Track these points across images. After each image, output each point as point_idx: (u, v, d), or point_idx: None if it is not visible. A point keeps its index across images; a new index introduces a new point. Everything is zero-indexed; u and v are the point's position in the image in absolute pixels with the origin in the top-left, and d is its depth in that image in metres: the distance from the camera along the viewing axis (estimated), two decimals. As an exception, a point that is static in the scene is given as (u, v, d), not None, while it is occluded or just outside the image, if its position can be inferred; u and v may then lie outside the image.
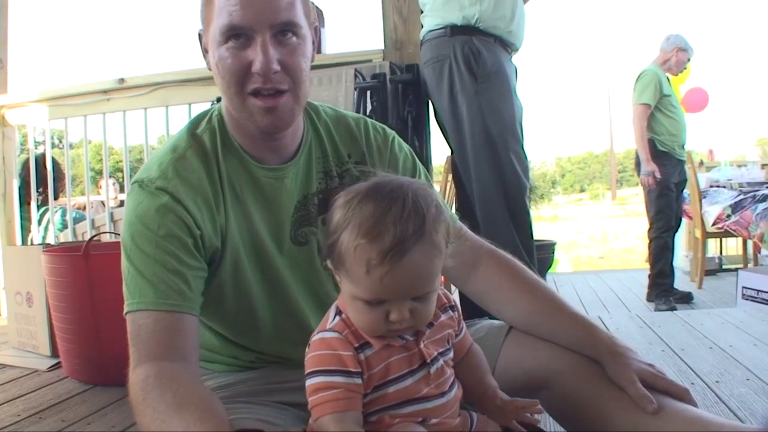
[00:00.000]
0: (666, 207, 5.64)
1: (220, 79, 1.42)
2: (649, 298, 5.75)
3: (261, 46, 1.34)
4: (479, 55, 3.24)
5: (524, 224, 3.25)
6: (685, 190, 5.98)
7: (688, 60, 5.79)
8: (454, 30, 3.28)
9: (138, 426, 1.23)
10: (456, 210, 3.56)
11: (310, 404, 1.16)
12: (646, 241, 5.82)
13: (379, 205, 1.12)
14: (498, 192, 3.19)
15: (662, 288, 5.67)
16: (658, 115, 5.61)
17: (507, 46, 3.38)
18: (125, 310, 1.35)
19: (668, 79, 5.77)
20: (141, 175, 1.44)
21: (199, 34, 1.48)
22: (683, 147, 5.72)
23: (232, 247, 1.46)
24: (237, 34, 1.35)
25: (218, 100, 3.84)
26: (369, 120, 1.70)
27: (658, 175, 5.50)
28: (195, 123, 1.55)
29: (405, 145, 1.73)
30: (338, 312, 1.22)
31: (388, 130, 1.72)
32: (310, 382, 1.17)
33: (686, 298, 5.69)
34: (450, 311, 1.32)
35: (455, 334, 1.34)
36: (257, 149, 1.51)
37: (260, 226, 1.50)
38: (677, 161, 5.67)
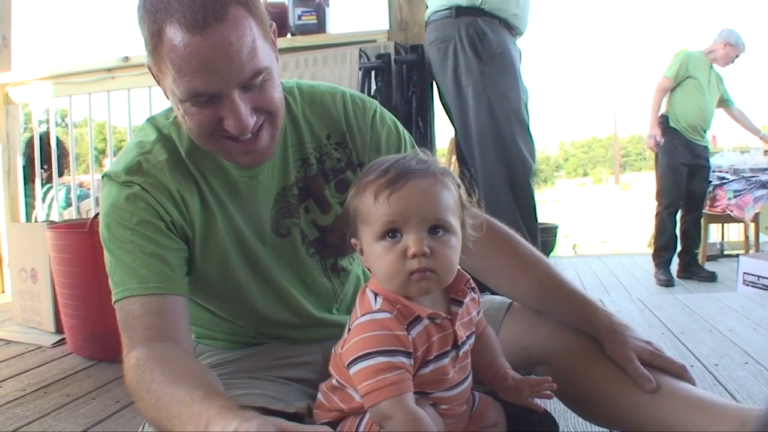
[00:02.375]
0: (667, 186, 5.72)
1: (186, 127, 1.37)
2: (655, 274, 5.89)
3: (231, 109, 1.27)
4: (484, 37, 3.25)
5: (528, 206, 3.26)
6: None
7: (737, 56, 5.80)
8: (459, 11, 3.30)
9: (137, 409, 1.25)
10: None
11: (366, 388, 1.13)
12: (652, 221, 5.92)
13: (381, 162, 1.22)
14: (502, 173, 3.21)
15: (663, 259, 5.82)
16: (679, 93, 5.70)
17: (512, 29, 3.39)
18: (112, 300, 1.36)
19: (711, 66, 5.79)
20: (110, 169, 1.44)
21: (148, 66, 1.36)
22: (700, 132, 5.75)
23: (217, 242, 1.45)
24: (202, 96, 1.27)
25: None
26: (348, 94, 1.62)
27: (659, 138, 5.62)
28: (161, 117, 1.51)
29: (388, 117, 1.66)
30: (376, 294, 1.21)
31: (369, 102, 1.64)
32: (366, 364, 1.13)
33: (711, 277, 5.83)
34: (472, 293, 1.32)
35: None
36: None
37: (240, 221, 1.48)
38: (687, 142, 5.70)
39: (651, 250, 6.06)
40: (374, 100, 1.66)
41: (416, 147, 1.62)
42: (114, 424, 2.12)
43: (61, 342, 3.23)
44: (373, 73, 3.67)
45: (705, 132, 5.82)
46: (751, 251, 6.51)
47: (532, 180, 3.30)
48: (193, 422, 1.06)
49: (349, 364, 1.16)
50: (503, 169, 3.22)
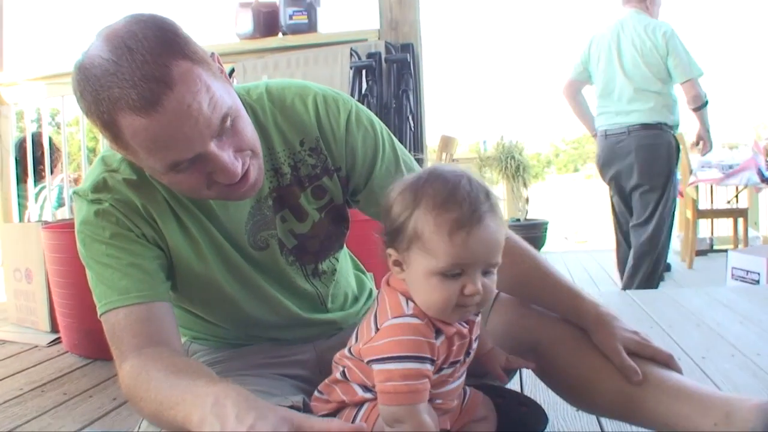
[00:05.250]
0: None
1: (176, 191, 1.37)
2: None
3: (215, 163, 1.23)
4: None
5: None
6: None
7: None
8: (665, 127, 4.51)
9: (140, 415, 1.27)
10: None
11: (388, 387, 1.16)
12: None
13: (446, 182, 1.18)
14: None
15: None
16: None
17: None
18: (98, 315, 1.36)
19: None
20: (80, 186, 1.43)
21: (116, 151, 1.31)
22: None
23: (200, 257, 1.45)
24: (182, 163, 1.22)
25: (231, 72, 3.86)
26: (321, 95, 1.53)
27: None
28: None
29: (365, 117, 1.57)
30: (406, 299, 1.22)
31: (343, 103, 1.54)
32: (396, 366, 1.16)
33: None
34: None
35: None
36: None
37: (219, 236, 1.46)
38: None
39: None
40: (350, 99, 1.58)
41: (395, 143, 1.60)
42: (111, 422, 2.15)
43: (57, 341, 3.24)
44: (363, 72, 3.70)
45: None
46: (740, 246, 6.54)
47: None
48: (198, 402, 1.07)
49: (373, 361, 1.19)
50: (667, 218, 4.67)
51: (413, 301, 1.21)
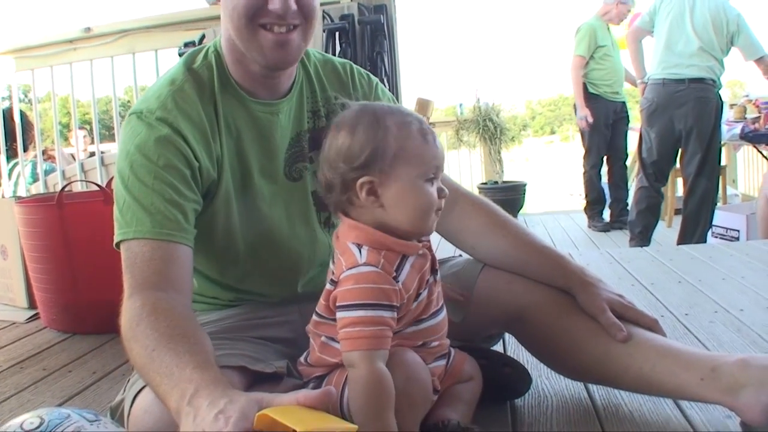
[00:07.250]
0: (594, 147, 6.32)
1: (230, 11, 1.41)
2: (589, 225, 6.56)
3: None
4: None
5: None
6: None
7: (629, 11, 6.32)
8: (716, 84, 4.95)
9: (128, 354, 1.25)
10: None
11: (342, 335, 1.18)
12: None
13: (390, 108, 1.32)
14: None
15: (595, 211, 6.48)
16: (592, 63, 6.19)
17: None
18: (119, 238, 1.35)
19: (608, 28, 6.29)
20: (139, 107, 1.44)
21: None
22: (618, 92, 6.28)
23: (225, 182, 1.47)
24: None
25: (185, 45, 3.80)
26: (354, 65, 1.71)
27: (590, 119, 6.13)
28: (191, 58, 1.54)
29: (387, 92, 1.75)
30: (359, 246, 1.25)
31: (372, 76, 1.73)
32: (348, 314, 1.19)
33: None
34: None
35: None
36: (253, 85, 1.51)
37: (253, 161, 1.51)
38: (609, 102, 6.20)
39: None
40: (375, 77, 1.75)
41: None
42: (92, 395, 2.12)
43: (35, 317, 3.20)
44: (337, 34, 3.65)
45: (621, 88, 6.36)
46: (719, 204, 6.58)
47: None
48: (181, 386, 1.08)
49: (337, 310, 1.22)
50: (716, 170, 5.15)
51: (367, 247, 1.24)
